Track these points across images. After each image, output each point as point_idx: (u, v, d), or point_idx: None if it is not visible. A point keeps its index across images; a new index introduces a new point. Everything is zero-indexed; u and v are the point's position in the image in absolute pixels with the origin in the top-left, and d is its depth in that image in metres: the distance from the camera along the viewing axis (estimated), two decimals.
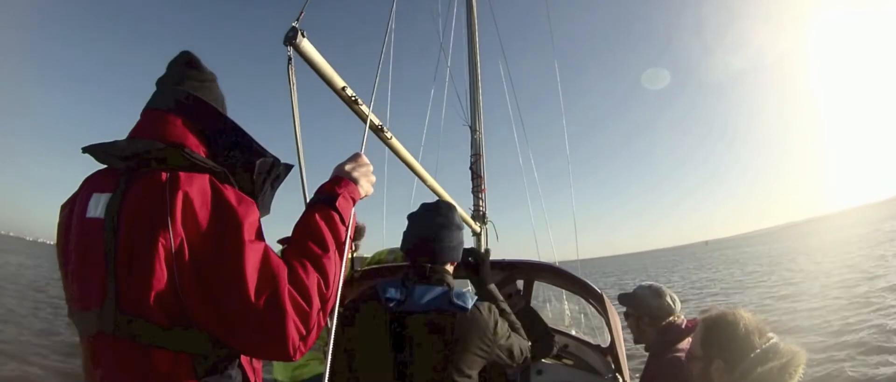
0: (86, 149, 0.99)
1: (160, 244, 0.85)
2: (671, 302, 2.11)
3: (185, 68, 1.10)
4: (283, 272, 0.92)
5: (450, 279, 1.51)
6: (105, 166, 1.04)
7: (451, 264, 1.58)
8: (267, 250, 0.93)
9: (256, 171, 1.07)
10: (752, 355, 1.16)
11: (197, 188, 0.90)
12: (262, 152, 1.08)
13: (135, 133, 1.01)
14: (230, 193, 0.94)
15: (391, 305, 1.41)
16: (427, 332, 1.37)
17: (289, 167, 1.12)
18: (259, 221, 0.97)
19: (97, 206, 0.93)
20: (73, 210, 1.00)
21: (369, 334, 1.42)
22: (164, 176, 0.90)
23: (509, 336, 1.50)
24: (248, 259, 0.88)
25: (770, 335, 1.20)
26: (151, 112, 1.03)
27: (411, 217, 1.61)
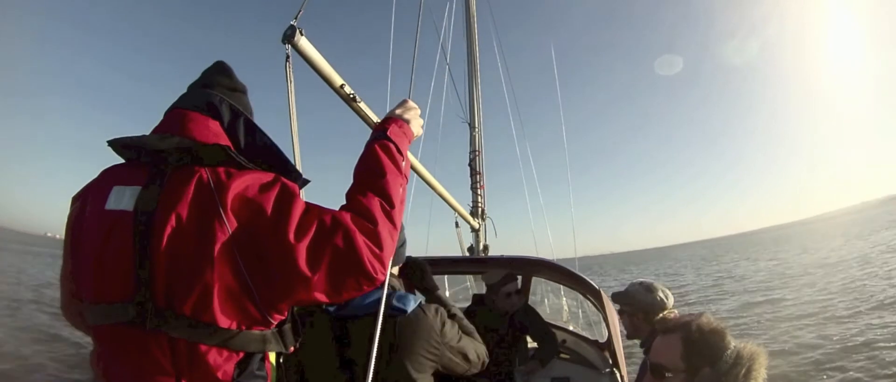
0: (111, 143, 0.98)
1: (217, 238, 0.85)
2: (664, 298, 2.13)
3: (217, 76, 1.09)
4: (343, 212, 0.97)
5: (394, 282, 1.46)
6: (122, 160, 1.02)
7: (395, 267, 1.55)
8: (322, 208, 0.98)
9: None
10: (724, 360, 1.17)
11: (243, 181, 0.91)
12: (287, 165, 1.07)
13: (161, 130, 0.99)
14: (271, 176, 0.96)
15: (331, 310, 1.37)
16: (365, 336, 1.31)
17: (306, 181, 1.12)
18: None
19: (122, 199, 0.91)
20: (86, 202, 0.97)
21: (314, 342, 1.37)
22: (205, 172, 0.90)
23: (460, 339, 1.46)
24: (307, 212, 0.93)
25: (730, 339, 1.22)
26: (180, 111, 1.01)
27: None
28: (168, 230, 0.85)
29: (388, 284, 1.39)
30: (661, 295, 2.14)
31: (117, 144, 0.99)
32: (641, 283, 2.23)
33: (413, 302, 1.37)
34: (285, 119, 1.23)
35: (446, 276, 4.46)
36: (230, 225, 0.87)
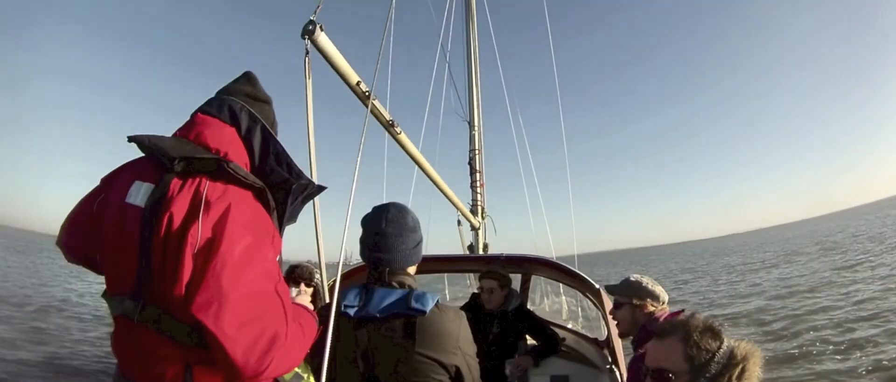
0: (132, 139, 1.00)
1: (189, 245, 0.87)
2: (661, 291, 2.13)
3: (242, 84, 1.11)
4: (274, 315, 0.91)
5: (411, 281, 1.43)
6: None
7: (412, 266, 1.51)
8: (276, 287, 0.93)
9: (292, 193, 1.07)
10: (716, 360, 1.18)
11: (235, 203, 0.92)
12: (299, 175, 1.09)
13: (182, 133, 1.02)
14: (262, 218, 0.97)
15: (351, 312, 1.35)
16: (386, 337, 1.32)
17: (321, 188, 1.13)
18: (277, 257, 0.99)
19: (138, 194, 0.95)
20: (111, 191, 1.01)
21: (335, 343, 1.34)
22: (205, 183, 0.92)
23: (475, 352, 1.42)
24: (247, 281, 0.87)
25: (724, 338, 1.23)
26: (202, 116, 1.04)
27: (365, 221, 1.49)
28: (161, 232, 0.88)
29: (406, 284, 1.38)
30: (659, 287, 2.14)
31: (137, 141, 1.01)
32: (639, 276, 2.19)
33: (431, 302, 1.34)
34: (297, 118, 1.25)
35: (446, 275, 4.48)
36: (202, 239, 0.86)
